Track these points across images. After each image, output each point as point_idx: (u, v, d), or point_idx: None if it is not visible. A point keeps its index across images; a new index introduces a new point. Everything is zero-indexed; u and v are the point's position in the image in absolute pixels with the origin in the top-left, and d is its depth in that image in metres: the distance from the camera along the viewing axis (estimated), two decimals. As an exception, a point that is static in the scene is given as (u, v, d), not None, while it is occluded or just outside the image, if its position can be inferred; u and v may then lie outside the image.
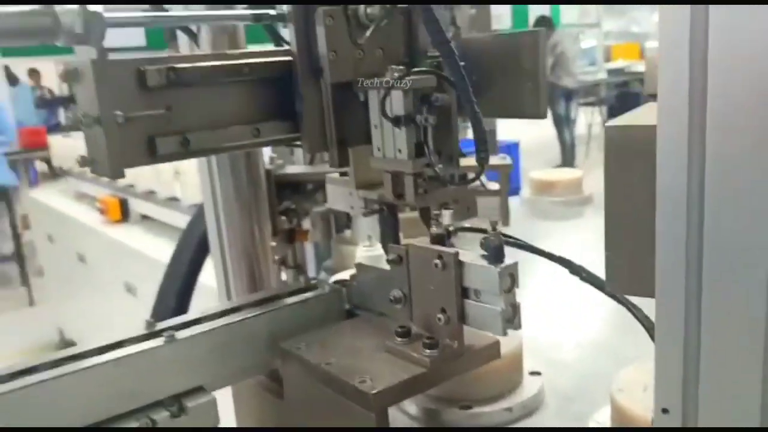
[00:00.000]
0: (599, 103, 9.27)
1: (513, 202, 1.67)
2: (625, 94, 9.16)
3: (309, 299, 0.80)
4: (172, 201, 2.91)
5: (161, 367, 0.69)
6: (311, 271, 1.56)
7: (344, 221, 1.61)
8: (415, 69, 0.74)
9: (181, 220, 2.87)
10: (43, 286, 5.07)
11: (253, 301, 0.80)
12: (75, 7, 0.74)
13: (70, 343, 4.54)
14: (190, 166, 2.63)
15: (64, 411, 0.64)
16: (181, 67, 0.81)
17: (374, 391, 0.62)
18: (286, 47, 0.90)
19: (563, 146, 8.17)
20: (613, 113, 9.50)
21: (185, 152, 0.83)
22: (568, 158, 8.12)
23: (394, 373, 0.64)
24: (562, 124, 7.99)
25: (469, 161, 0.88)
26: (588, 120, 9.17)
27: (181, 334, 0.71)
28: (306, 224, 1.52)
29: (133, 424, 0.66)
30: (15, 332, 4.82)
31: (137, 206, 3.22)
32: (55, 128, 6.61)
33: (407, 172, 0.74)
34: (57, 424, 0.63)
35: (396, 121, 0.72)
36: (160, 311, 1.37)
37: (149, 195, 3.09)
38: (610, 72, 9.76)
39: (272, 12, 0.89)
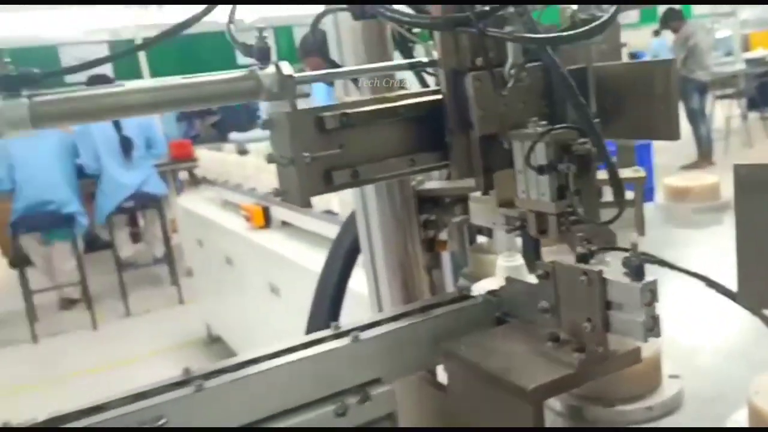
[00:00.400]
0: (738, 96, 8.71)
1: (647, 207, 1.69)
2: (766, 84, 8.56)
3: (465, 307, 0.93)
4: (309, 209, 3.15)
5: (348, 362, 0.84)
6: (449, 278, 1.69)
7: (476, 232, 1.73)
8: (558, 126, 0.84)
9: (317, 226, 3.11)
10: (191, 286, 5.58)
11: (418, 308, 0.94)
12: (273, 71, 0.91)
13: (216, 339, 4.98)
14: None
15: (278, 395, 0.81)
16: (352, 111, 0.96)
17: (531, 387, 0.73)
18: (434, 88, 1.04)
19: (699, 141, 7.79)
20: (753, 105, 8.89)
21: (355, 182, 0.99)
22: (704, 153, 7.73)
23: (547, 372, 0.75)
24: (697, 118, 7.62)
25: (604, 173, 0.96)
26: (726, 113, 8.67)
27: (364, 335, 0.86)
28: (442, 235, 1.66)
29: (330, 407, 0.81)
30: (166, 328, 5.34)
31: (279, 213, 3.51)
32: (193, 139, 7.18)
33: (550, 213, 0.84)
34: (273, 405, 0.80)
35: (540, 170, 0.82)
36: (317, 315, 1.54)
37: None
38: (749, 62, 9.15)
39: (425, 60, 1.03)
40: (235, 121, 7.30)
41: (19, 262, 5.58)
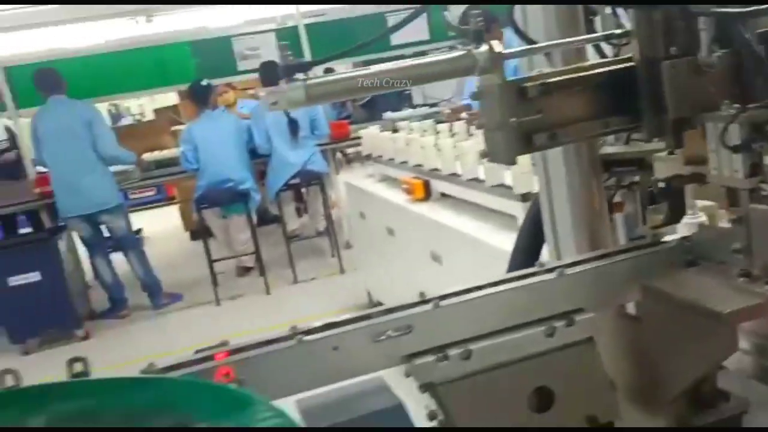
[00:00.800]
0: None
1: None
2: None
3: (660, 250, 1.05)
4: (470, 181, 3.30)
5: (555, 293, 1.00)
6: (622, 240, 1.78)
7: (647, 196, 1.80)
8: (750, 105, 0.92)
9: (475, 196, 3.26)
10: (350, 257, 5.96)
11: (616, 250, 1.08)
12: (486, 49, 1.07)
13: (377, 305, 5.30)
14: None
15: (498, 315, 0.99)
16: (550, 81, 1.10)
17: (727, 311, 0.85)
18: (625, 56, 1.15)
19: None
20: None
21: (553, 143, 1.13)
22: None
23: (741, 299, 0.87)
24: None
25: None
26: None
27: (569, 270, 1.02)
28: (617, 197, 1.75)
29: (540, 328, 0.98)
30: (330, 294, 5.76)
31: (438, 186, 3.70)
32: (346, 119, 7.52)
33: (743, 189, 0.93)
34: (493, 323, 0.98)
35: (734, 149, 0.91)
36: (516, 258, 1.67)
37: (449, 176, 3.54)
38: None
39: (618, 31, 1.15)
40: (383, 101, 7.59)
41: (202, 234, 6.25)
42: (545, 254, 1.59)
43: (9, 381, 0.83)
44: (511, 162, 1.09)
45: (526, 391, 0.98)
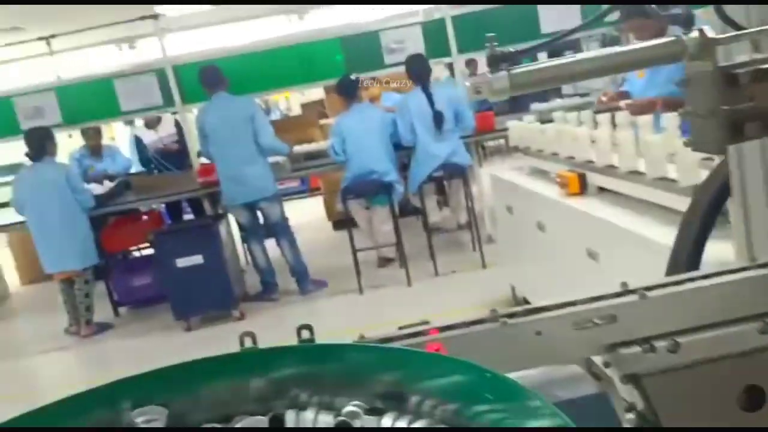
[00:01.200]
0: None
1: None
2: None
3: None
4: (633, 174, 3.17)
5: (754, 291, 0.96)
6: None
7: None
8: None
9: (639, 191, 3.13)
10: (492, 252, 5.92)
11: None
12: (696, 35, 1.04)
13: (522, 301, 5.24)
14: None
15: (708, 309, 0.96)
16: (762, 68, 1.05)
17: None
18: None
19: None
20: None
21: (766, 133, 1.08)
22: None
23: None
24: None
25: None
26: None
27: (779, 269, 0.97)
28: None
29: (753, 324, 0.94)
30: (472, 288, 5.75)
31: (595, 179, 3.59)
32: (486, 109, 7.43)
33: None
34: (703, 317, 0.95)
35: None
36: (678, 260, 1.60)
37: (605, 168, 3.42)
38: None
39: None
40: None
41: (347, 224, 6.48)
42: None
43: (248, 342, 0.93)
44: (720, 151, 1.06)
45: (735, 388, 0.94)
